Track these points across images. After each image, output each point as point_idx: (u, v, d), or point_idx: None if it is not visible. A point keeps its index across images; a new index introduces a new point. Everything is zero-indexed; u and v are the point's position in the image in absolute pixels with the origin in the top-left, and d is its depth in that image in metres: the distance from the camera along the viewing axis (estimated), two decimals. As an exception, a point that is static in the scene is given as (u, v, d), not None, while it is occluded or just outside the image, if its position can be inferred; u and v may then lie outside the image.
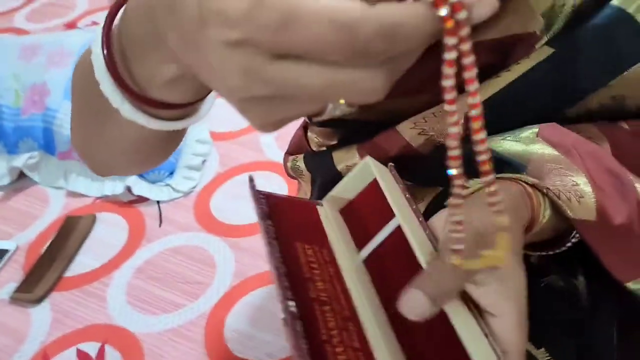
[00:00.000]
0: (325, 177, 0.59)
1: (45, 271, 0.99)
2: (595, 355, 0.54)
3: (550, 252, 0.49)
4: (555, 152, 0.46)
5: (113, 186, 1.12)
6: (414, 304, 0.34)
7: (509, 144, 0.47)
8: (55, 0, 1.75)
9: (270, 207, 0.45)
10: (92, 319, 0.93)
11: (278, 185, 1.11)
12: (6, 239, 1.07)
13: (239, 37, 0.24)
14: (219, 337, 0.88)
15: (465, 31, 0.24)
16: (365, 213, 0.45)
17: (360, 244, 0.43)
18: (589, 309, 0.54)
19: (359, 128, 0.55)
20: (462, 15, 0.23)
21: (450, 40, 0.24)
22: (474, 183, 0.41)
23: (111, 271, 1.00)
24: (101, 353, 0.88)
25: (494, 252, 0.27)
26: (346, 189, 0.46)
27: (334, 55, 0.24)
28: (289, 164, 0.65)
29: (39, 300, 0.95)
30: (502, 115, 0.47)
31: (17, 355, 0.89)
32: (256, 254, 1.00)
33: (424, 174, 0.52)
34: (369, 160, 0.44)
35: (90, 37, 0.76)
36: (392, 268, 0.43)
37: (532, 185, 0.43)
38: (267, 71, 0.24)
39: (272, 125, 0.28)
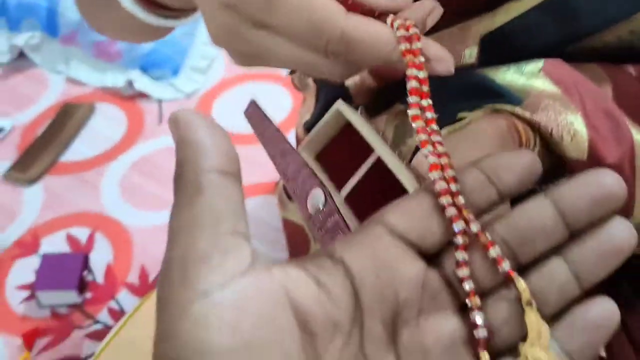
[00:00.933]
0: (330, 93, 0.59)
1: (40, 153, 0.98)
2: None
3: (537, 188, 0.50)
4: (555, 89, 0.45)
5: (114, 78, 1.10)
6: None
7: (511, 76, 0.47)
8: None
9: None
10: (84, 206, 0.93)
11: (283, 97, 1.10)
12: (3, 117, 1.06)
13: (230, 2, 0.29)
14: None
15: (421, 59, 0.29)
16: (342, 156, 0.45)
17: (339, 185, 0.44)
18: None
19: None
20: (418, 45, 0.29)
21: (410, 72, 0.29)
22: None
23: (106, 162, 1.00)
24: (91, 239, 0.89)
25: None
26: (319, 135, 0.46)
27: (302, 42, 0.29)
28: (295, 74, 0.65)
29: (32, 181, 0.95)
30: (518, 44, 0.47)
31: (7, 232, 0.89)
32: (254, 164, 0.99)
33: None
34: (340, 104, 0.44)
35: None
36: (375, 200, 0.44)
37: (524, 120, 0.43)
38: (246, 34, 0.30)
39: (249, 66, 0.32)
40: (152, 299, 0.77)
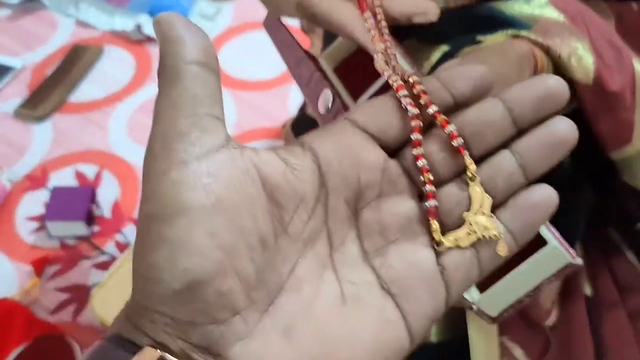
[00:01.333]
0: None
1: (49, 92, 1.00)
2: (563, 227, 0.58)
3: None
4: (562, 18, 0.47)
5: (123, 22, 1.11)
6: None
7: (520, 7, 0.49)
8: None
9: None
10: (92, 144, 0.96)
11: (288, 47, 1.11)
12: (13, 57, 1.07)
13: None
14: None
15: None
16: (359, 70, 0.47)
17: (355, 97, 0.45)
18: (568, 179, 0.57)
19: None
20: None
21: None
22: None
23: (113, 103, 1.02)
24: (98, 176, 0.91)
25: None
26: (339, 48, 0.48)
27: None
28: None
29: (41, 118, 0.98)
30: None
31: (17, 166, 0.92)
32: (258, 110, 1.02)
33: (431, 28, 0.53)
34: None
35: None
36: None
37: (539, 46, 0.45)
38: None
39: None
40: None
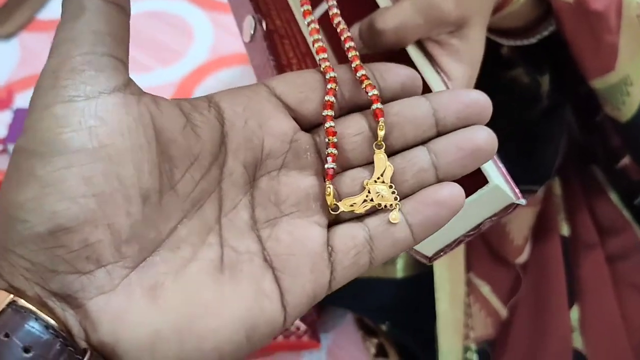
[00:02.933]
0: None
1: (16, 9, 0.95)
2: (537, 160, 0.55)
3: (519, 43, 0.48)
4: None
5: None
6: (367, 29, 0.36)
7: None
8: None
9: None
10: (60, 65, 0.91)
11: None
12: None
13: None
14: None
15: None
16: None
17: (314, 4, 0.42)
18: (545, 110, 0.54)
19: None
20: None
21: None
22: None
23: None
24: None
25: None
26: None
27: None
28: None
29: (8, 36, 0.93)
30: None
31: (-19, 86, 0.88)
32: (236, 35, 0.97)
33: None
34: None
35: None
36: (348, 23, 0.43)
37: None
38: None
39: None
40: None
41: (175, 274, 0.25)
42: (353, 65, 0.30)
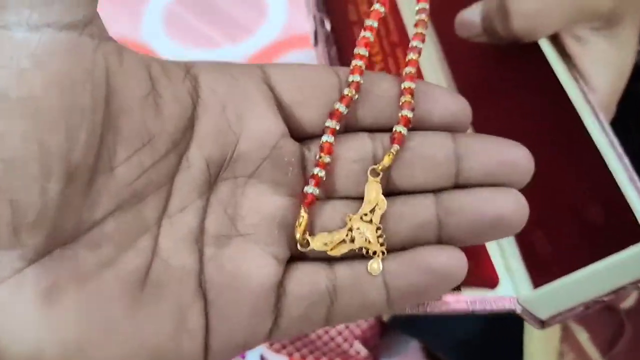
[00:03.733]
0: None
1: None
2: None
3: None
4: None
5: None
6: (471, 17, 0.31)
7: None
8: None
9: None
10: (122, 33, 0.86)
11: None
12: None
13: None
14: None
15: None
16: None
17: None
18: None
19: None
20: None
21: None
22: None
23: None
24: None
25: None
26: None
27: None
28: None
29: None
30: None
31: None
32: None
33: None
34: None
35: None
36: None
37: None
38: None
39: None
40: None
41: (83, 280, 0.19)
42: (405, 71, 0.24)
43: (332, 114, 0.23)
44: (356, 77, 0.23)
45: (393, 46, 0.36)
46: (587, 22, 0.31)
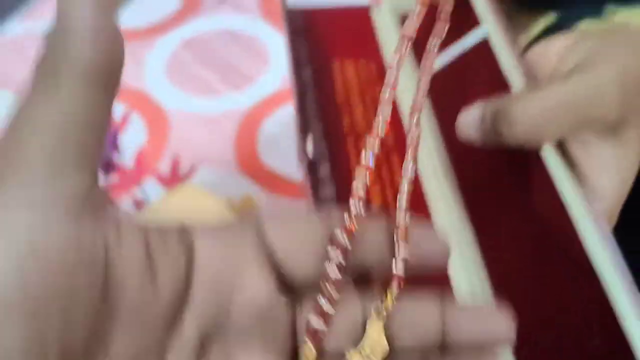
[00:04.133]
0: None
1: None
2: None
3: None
4: None
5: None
6: (470, 119, 0.30)
7: None
8: None
9: (307, 26, 0.39)
10: (125, 79, 0.85)
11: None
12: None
13: None
14: (251, 137, 0.81)
15: None
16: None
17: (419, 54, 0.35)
18: None
19: None
20: None
21: None
22: None
23: (155, 35, 0.91)
24: (126, 118, 0.81)
25: None
26: None
27: None
28: None
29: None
30: None
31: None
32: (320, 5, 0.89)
33: None
34: None
35: None
36: (459, 88, 0.36)
37: None
38: None
39: None
40: (177, 194, 0.70)
41: None
42: (399, 212, 0.24)
43: (323, 276, 0.23)
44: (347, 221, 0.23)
45: (388, 151, 0.35)
46: (592, 130, 0.30)
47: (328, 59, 0.37)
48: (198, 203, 0.70)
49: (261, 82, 0.86)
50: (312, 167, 0.32)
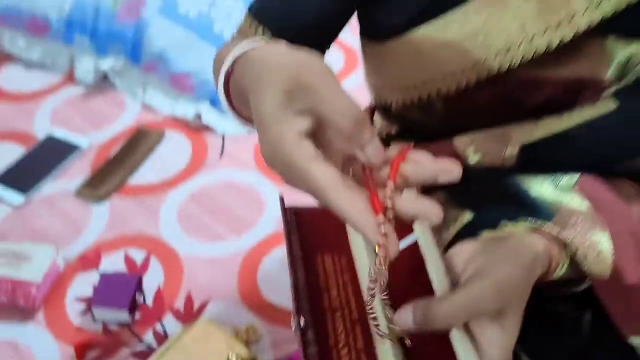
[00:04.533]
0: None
1: (112, 173, 1.07)
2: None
3: (563, 292, 0.53)
4: (585, 207, 0.49)
5: (185, 108, 1.18)
6: (406, 320, 0.41)
7: (546, 189, 0.51)
8: None
9: (299, 222, 0.51)
10: (144, 229, 1.01)
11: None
12: (81, 136, 1.15)
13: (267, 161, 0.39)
14: (252, 275, 0.96)
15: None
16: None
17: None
18: (589, 344, 0.57)
19: (421, 127, 0.58)
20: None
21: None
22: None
23: (168, 189, 1.07)
24: (146, 262, 0.96)
25: None
26: None
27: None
28: None
29: (101, 199, 1.04)
30: (557, 158, 0.50)
31: (73, 245, 0.98)
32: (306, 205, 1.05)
33: (464, 193, 0.55)
34: None
35: None
36: (404, 278, 0.49)
37: (554, 239, 0.46)
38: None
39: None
40: (194, 329, 0.83)
41: None
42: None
43: None
44: None
45: (354, 323, 0.45)
46: (484, 318, 0.44)
47: (313, 251, 0.51)
48: (210, 337, 0.83)
49: (259, 227, 1.02)
50: (303, 334, 0.44)
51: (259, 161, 1.13)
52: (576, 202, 0.49)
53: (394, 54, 0.56)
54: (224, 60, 0.49)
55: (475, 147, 0.55)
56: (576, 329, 0.60)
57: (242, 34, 0.59)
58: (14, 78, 1.29)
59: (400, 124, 0.64)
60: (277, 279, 0.96)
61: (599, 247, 0.47)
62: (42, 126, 1.18)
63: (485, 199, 0.53)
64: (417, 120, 0.60)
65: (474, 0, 0.50)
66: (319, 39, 0.59)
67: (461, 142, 0.55)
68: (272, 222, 1.03)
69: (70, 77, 1.28)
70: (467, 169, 0.54)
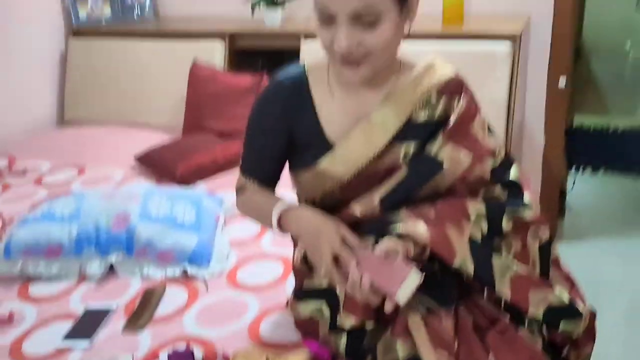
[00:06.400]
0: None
1: (142, 313, 1.61)
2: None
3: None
4: (405, 214, 1.23)
5: (173, 270, 1.78)
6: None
7: (400, 218, 1.26)
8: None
9: None
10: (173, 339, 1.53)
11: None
12: (110, 301, 1.69)
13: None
14: None
15: None
16: None
17: None
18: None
19: (330, 201, 1.32)
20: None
21: None
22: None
23: (176, 319, 1.62)
24: None
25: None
26: None
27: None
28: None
29: (139, 329, 1.56)
30: (398, 198, 1.27)
31: None
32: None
33: (362, 230, 1.28)
34: None
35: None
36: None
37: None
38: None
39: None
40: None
41: None
42: None
43: None
44: None
45: None
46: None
47: None
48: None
49: (247, 315, 1.59)
50: None
51: (232, 285, 1.72)
52: (404, 215, 1.21)
53: (307, 176, 1.29)
54: (262, 205, 1.31)
55: (358, 207, 1.27)
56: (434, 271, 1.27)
57: (241, 181, 1.35)
58: (40, 289, 1.79)
59: (319, 202, 1.35)
60: None
61: (420, 227, 1.19)
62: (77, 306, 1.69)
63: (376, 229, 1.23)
64: (326, 200, 1.32)
65: (338, 147, 1.24)
66: (276, 178, 1.34)
67: (352, 206, 1.27)
68: (255, 311, 1.60)
69: (82, 277, 1.82)
70: (357, 219, 1.24)
